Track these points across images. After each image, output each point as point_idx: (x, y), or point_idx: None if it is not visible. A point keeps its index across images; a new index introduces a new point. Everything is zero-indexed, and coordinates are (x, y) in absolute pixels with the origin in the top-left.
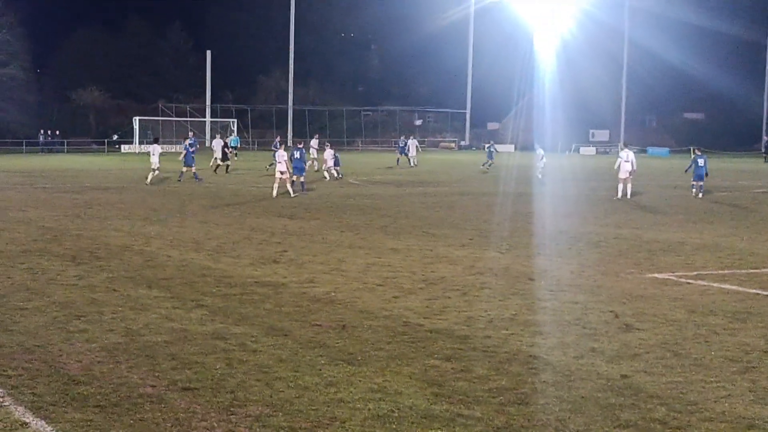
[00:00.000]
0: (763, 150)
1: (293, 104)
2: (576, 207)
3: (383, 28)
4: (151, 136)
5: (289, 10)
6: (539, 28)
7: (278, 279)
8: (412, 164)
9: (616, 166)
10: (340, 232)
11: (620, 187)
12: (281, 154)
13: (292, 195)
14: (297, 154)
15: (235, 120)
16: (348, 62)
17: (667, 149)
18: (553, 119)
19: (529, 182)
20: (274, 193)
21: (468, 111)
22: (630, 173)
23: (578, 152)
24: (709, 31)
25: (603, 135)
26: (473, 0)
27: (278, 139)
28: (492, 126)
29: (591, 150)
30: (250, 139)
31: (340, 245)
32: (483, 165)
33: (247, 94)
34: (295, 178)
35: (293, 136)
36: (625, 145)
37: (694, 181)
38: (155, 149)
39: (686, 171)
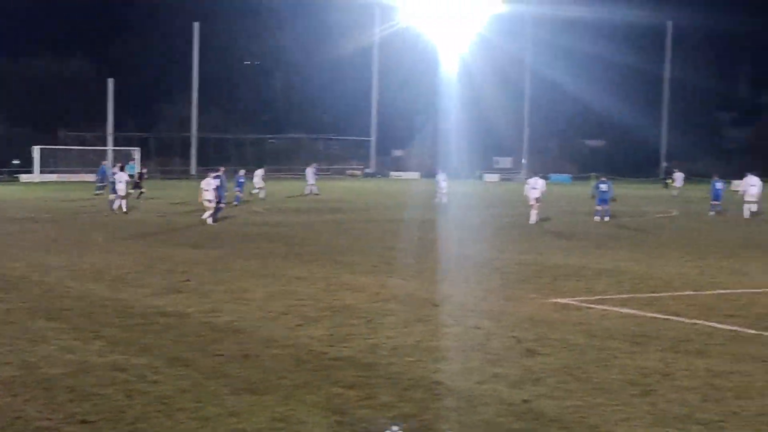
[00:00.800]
0: (661, 176)
1: (197, 132)
2: (480, 233)
3: (288, 55)
4: (53, 164)
5: (192, 37)
6: (443, 55)
7: (181, 309)
8: (307, 192)
9: (525, 193)
10: (244, 261)
11: (533, 213)
12: (210, 183)
13: (210, 223)
14: (217, 182)
15: (138, 149)
16: (252, 90)
17: (569, 176)
18: (457, 146)
19: (433, 209)
20: (209, 220)
21: (373, 138)
22: (537, 200)
23: (482, 179)
24: (609, 62)
25: (506, 162)
26: (378, 27)
27: (243, 172)
28: (397, 153)
29: (495, 177)
30: (154, 167)
31: (244, 274)
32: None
33: (150, 122)
34: (222, 206)
35: (197, 165)
36: (534, 173)
37: (597, 206)
38: (121, 176)
39: (592, 197)
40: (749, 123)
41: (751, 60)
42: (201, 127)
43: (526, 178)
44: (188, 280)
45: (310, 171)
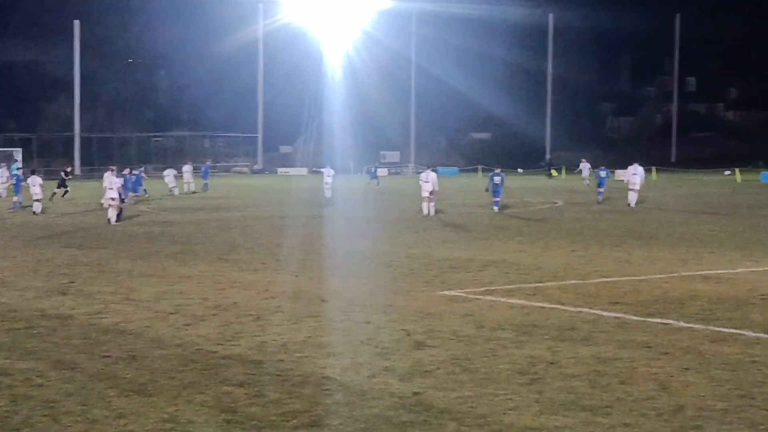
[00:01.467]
0: (546, 167)
1: (80, 132)
2: (368, 228)
3: (172, 52)
4: None
5: (73, 35)
6: (329, 51)
7: (66, 311)
8: (185, 190)
9: (420, 188)
10: (131, 261)
11: (424, 205)
12: (114, 181)
13: (113, 223)
14: (122, 181)
15: (20, 149)
16: (137, 88)
17: (456, 168)
18: (344, 141)
19: (322, 205)
20: (113, 220)
21: (260, 135)
22: (431, 193)
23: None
24: (493, 57)
25: (394, 156)
26: (262, 23)
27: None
28: (285, 149)
29: (383, 171)
30: (36, 167)
31: (130, 274)
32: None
33: (32, 123)
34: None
35: (81, 165)
36: (428, 167)
37: (495, 197)
38: (35, 180)
39: (486, 190)
40: (631, 113)
41: (631, 51)
42: (84, 126)
43: (419, 172)
44: (72, 282)
45: (187, 168)
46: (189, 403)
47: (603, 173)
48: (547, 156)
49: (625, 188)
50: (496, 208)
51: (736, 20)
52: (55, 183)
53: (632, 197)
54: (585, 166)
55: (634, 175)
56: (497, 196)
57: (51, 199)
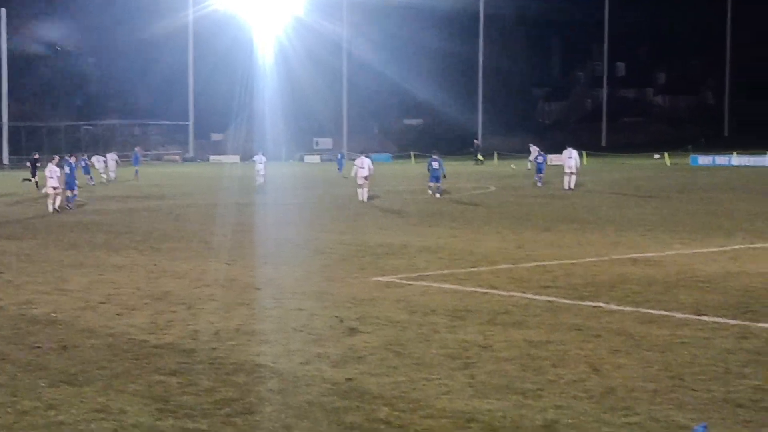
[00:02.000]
0: (474, 152)
1: (8, 120)
2: (301, 215)
3: (101, 39)
4: None
5: None
6: (259, 38)
7: None
8: (105, 180)
9: (352, 173)
10: (61, 251)
11: (359, 191)
12: (54, 170)
13: (52, 211)
14: (67, 169)
15: None
16: (65, 75)
17: (389, 155)
18: (276, 128)
19: (254, 192)
20: (50, 208)
21: (191, 122)
22: (366, 178)
23: (303, 160)
24: (424, 44)
25: (327, 143)
26: (192, 8)
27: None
28: (216, 137)
29: (315, 158)
30: None
31: (61, 264)
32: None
33: None
34: (69, 193)
35: (9, 154)
36: (362, 153)
37: (430, 182)
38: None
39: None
40: (562, 98)
41: (562, 37)
42: (12, 115)
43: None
44: (1, 273)
45: (110, 157)
46: (121, 392)
47: (541, 158)
48: (475, 141)
49: (560, 172)
50: (433, 193)
51: (663, 6)
52: None
53: (568, 181)
54: (534, 149)
55: (570, 159)
56: (435, 182)
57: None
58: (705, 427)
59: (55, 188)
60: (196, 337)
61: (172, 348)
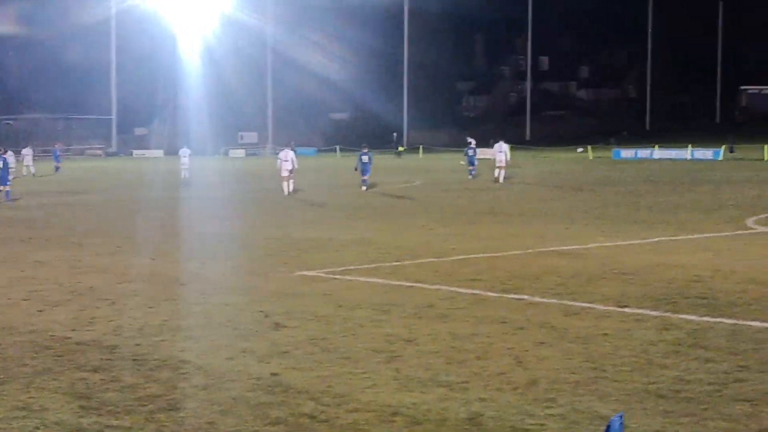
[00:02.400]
0: (393, 145)
1: None
2: (227, 209)
3: (22, 32)
4: None
5: None
6: (184, 32)
7: None
8: (24, 173)
9: (278, 166)
10: None
11: (284, 185)
12: (288, 154)
13: None
14: (0, 164)
15: None
16: None
17: (314, 149)
18: (201, 122)
19: (179, 187)
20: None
21: (114, 117)
22: (291, 172)
23: (228, 155)
24: (350, 39)
25: (252, 137)
26: (114, 1)
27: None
28: (140, 131)
29: (240, 152)
30: None
31: None
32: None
33: None
34: (2, 188)
35: None
36: (287, 146)
37: (362, 176)
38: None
39: (356, 169)
40: (486, 92)
41: (486, 32)
42: None
43: (278, 152)
44: None
45: (27, 152)
46: (43, 390)
47: (471, 152)
48: (395, 134)
49: (489, 166)
50: (364, 188)
51: (586, 0)
52: None
53: (499, 174)
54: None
55: (500, 152)
56: (365, 175)
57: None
58: (621, 416)
59: (290, 171)
60: (119, 333)
61: (95, 344)
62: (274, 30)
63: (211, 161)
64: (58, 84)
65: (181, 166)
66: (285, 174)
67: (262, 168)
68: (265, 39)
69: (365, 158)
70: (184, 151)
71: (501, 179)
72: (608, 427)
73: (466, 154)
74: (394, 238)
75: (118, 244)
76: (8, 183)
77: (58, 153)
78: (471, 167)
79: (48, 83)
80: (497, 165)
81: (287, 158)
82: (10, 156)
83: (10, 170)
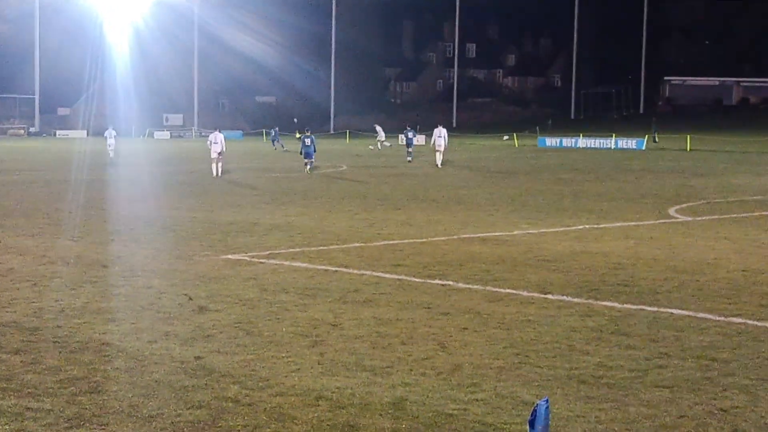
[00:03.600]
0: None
1: None
2: (151, 192)
3: None
4: None
5: None
6: (109, 12)
7: None
8: None
9: (209, 149)
10: None
11: (213, 167)
12: (218, 136)
13: None
14: None
15: None
16: None
17: (240, 132)
18: (126, 104)
19: (102, 168)
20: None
21: (36, 96)
22: (220, 154)
23: (152, 137)
24: (277, 20)
25: (177, 119)
26: None
27: None
28: (63, 111)
29: (165, 134)
30: None
31: None
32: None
33: None
34: None
35: None
36: (216, 129)
37: (305, 159)
38: None
39: (300, 153)
40: (413, 78)
41: (413, 17)
42: None
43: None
44: None
45: None
46: None
47: (411, 134)
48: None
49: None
50: (308, 168)
51: None
52: None
53: (438, 158)
54: (379, 129)
55: (440, 138)
56: (307, 158)
57: None
58: (547, 401)
59: (219, 154)
60: (40, 315)
61: (16, 326)
62: (202, 10)
63: (136, 143)
64: None
65: (107, 147)
66: (214, 156)
67: (188, 150)
68: (193, 19)
69: (308, 141)
70: (110, 132)
71: (439, 163)
72: (534, 411)
73: (406, 136)
74: (319, 222)
75: (40, 226)
76: None
77: None
78: (409, 149)
79: None
80: (436, 149)
81: (217, 140)
82: None
83: None
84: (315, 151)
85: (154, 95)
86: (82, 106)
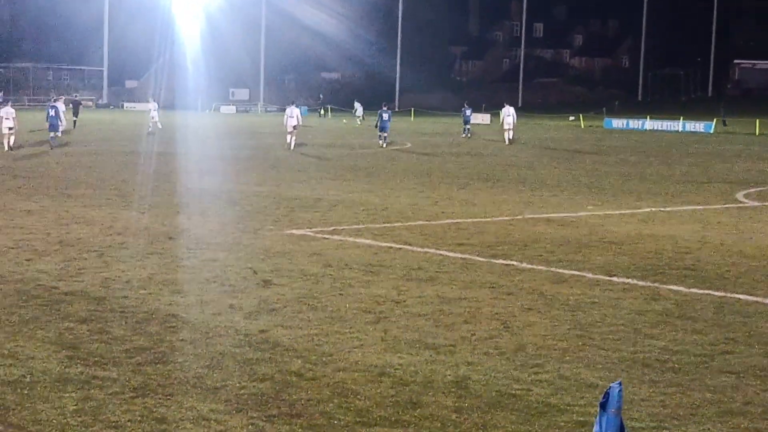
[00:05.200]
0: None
1: None
2: (217, 165)
3: None
4: None
5: None
6: None
7: None
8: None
9: (284, 122)
10: None
11: (288, 137)
12: (9, 111)
13: (7, 149)
14: (52, 112)
15: None
16: None
17: (305, 108)
18: (194, 78)
19: (171, 142)
20: (6, 147)
21: (105, 68)
22: (294, 127)
23: (219, 111)
24: None
25: (243, 94)
26: None
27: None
28: (131, 84)
29: (231, 109)
30: None
31: None
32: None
33: None
34: (52, 134)
35: None
36: (292, 103)
37: (380, 132)
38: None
39: (376, 126)
40: (479, 57)
41: None
42: None
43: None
44: None
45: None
46: (30, 339)
47: (468, 112)
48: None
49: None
50: (381, 142)
51: None
52: None
53: (507, 136)
54: (358, 105)
55: (508, 116)
56: (383, 132)
57: None
58: (620, 384)
59: (10, 128)
60: (107, 285)
61: (83, 295)
62: None
63: (203, 117)
64: (50, 34)
65: (150, 119)
66: (290, 129)
67: (255, 125)
68: None
69: (385, 116)
70: (153, 105)
71: (508, 141)
72: (606, 394)
73: (463, 114)
74: (383, 199)
75: (107, 197)
76: (59, 129)
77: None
78: (466, 126)
79: (39, 33)
80: (505, 128)
81: (292, 114)
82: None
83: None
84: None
85: (221, 69)
86: (150, 79)
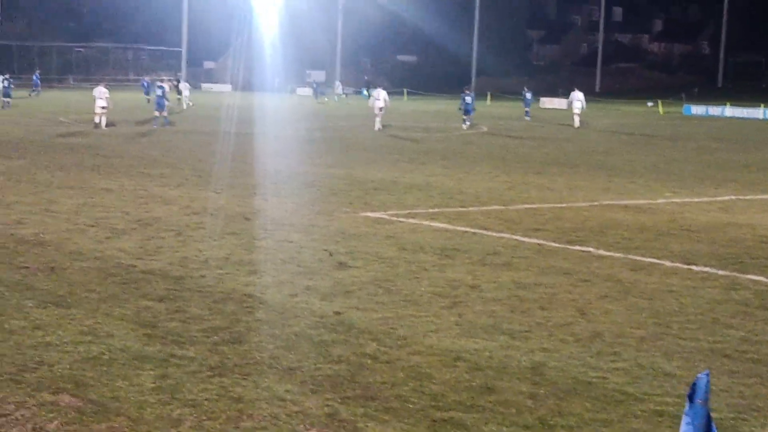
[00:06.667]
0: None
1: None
2: (292, 147)
3: None
4: None
5: None
6: None
7: None
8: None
9: (370, 104)
10: (50, 172)
11: (376, 119)
12: (103, 92)
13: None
14: (159, 92)
15: None
16: None
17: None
18: (272, 59)
19: (247, 123)
20: (102, 124)
21: (184, 49)
22: (381, 109)
23: (295, 93)
24: None
25: (320, 76)
26: None
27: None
28: (209, 65)
29: (307, 90)
30: None
31: (49, 185)
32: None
33: None
34: (157, 114)
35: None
36: (377, 86)
37: (463, 116)
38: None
39: (459, 109)
40: (556, 41)
41: None
42: (4, 34)
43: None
44: None
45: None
46: (108, 316)
47: (528, 95)
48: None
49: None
50: (465, 126)
51: None
52: None
53: (577, 120)
54: (338, 84)
55: (577, 101)
56: (466, 114)
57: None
58: (707, 374)
59: (103, 108)
60: (185, 265)
61: (161, 274)
62: None
63: (280, 99)
64: (130, 14)
65: (184, 99)
66: (377, 111)
67: (331, 107)
68: None
69: (468, 99)
70: (185, 85)
71: (576, 124)
72: (694, 385)
73: (524, 97)
74: (458, 183)
75: (185, 177)
76: (164, 109)
77: (146, 84)
78: (527, 108)
79: (119, 13)
80: (575, 112)
81: (379, 96)
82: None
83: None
84: (474, 110)
85: (298, 51)
86: (228, 60)
